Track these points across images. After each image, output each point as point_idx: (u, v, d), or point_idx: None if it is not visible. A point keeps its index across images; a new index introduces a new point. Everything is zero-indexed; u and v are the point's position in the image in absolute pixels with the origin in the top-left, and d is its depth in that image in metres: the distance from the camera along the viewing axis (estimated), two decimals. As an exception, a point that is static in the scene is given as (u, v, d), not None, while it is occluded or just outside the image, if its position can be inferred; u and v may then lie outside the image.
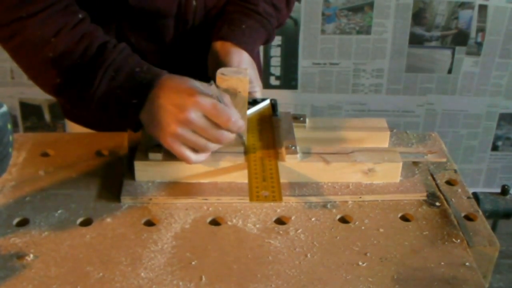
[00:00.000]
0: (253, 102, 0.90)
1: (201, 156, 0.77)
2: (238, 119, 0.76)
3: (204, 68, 0.97)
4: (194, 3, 0.94)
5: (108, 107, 0.79)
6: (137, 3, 0.87)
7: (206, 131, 0.75)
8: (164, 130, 0.75)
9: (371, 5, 1.96)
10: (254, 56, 0.98)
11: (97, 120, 1.02)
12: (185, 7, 0.93)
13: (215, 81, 0.79)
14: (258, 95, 0.96)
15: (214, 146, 0.77)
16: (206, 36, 0.99)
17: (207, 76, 0.97)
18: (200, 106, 0.73)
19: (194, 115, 0.73)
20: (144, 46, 0.94)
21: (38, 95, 2.00)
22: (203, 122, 0.74)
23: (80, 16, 0.82)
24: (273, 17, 1.03)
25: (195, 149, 0.76)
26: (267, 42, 1.04)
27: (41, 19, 0.78)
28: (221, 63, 0.91)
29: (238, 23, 0.97)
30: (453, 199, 0.81)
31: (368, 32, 2.00)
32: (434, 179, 0.84)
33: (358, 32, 2.00)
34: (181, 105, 0.73)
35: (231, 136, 0.77)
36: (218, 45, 0.95)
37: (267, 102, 0.91)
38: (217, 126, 0.75)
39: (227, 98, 0.77)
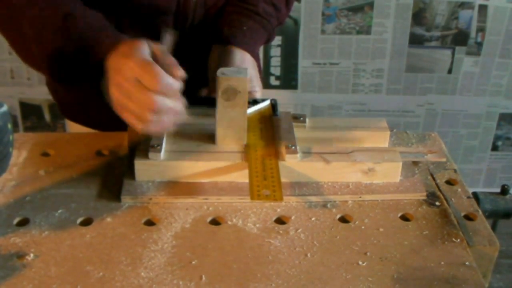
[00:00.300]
0: (253, 102, 0.90)
1: (146, 127, 0.72)
2: (170, 81, 0.70)
3: (203, 66, 0.97)
4: (193, 0, 0.94)
5: (77, 71, 0.80)
6: (137, 0, 0.88)
7: (135, 94, 0.69)
8: (110, 96, 0.72)
9: (371, 5, 1.96)
10: (255, 56, 0.98)
11: (91, 115, 1.02)
12: (184, 4, 0.93)
13: (215, 82, 0.79)
14: (258, 95, 0.96)
15: (149, 116, 0.70)
16: (206, 35, 0.99)
17: (207, 75, 0.97)
18: (131, 66, 0.69)
19: (124, 78, 0.69)
20: None
21: (38, 95, 2.00)
22: (132, 85, 0.69)
23: None
24: (273, 16, 1.03)
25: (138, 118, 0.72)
26: (267, 42, 1.05)
27: None
28: (222, 64, 0.91)
29: (238, 24, 0.97)
30: (453, 199, 0.81)
31: (368, 32, 2.00)
32: (434, 178, 0.85)
33: (358, 32, 2.00)
34: (116, 68, 0.71)
35: (165, 102, 0.70)
36: (219, 47, 0.95)
37: (267, 102, 0.91)
38: (147, 88, 0.69)
39: (170, 58, 0.73)
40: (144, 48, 0.72)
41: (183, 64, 1.00)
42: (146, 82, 0.69)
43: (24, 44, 0.81)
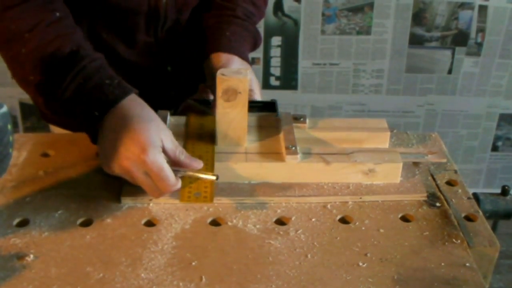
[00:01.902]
0: (252, 103, 0.90)
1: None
2: (176, 185, 0.74)
3: (176, 66, 0.96)
4: (164, 0, 0.94)
5: (73, 112, 0.78)
6: (108, 1, 0.87)
7: (145, 186, 0.74)
8: (112, 161, 0.74)
9: (371, 6, 1.96)
10: (245, 59, 0.98)
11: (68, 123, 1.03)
12: (155, 4, 0.93)
13: (214, 94, 0.80)
14: (257, 96, 0.96)
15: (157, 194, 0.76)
16: (179, 36, 0.99)
17: (179, 75, 0.97)
18: (146, 166, 0.72)
19: (136, 169, 0.73)
20: (115, 43, 0.94)
21: (38, 96, 2.00)
22: (144, 178, 0.73)
23: (57, 14, 0.81)
24: (254, 15, 1.03)
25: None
26: (255, 44, 1.05)
27: (17, 13, 0.78)
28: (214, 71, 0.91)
29: (220, 31, 0.98)
30: (453, 200, 0.81)
31: (368, 32, 2.00)
32: (434, 179, 0.84)
33: (358, 33, 2.00)
34: (129, 156, 0.72)
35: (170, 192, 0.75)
36: (209, 59, 0.95)
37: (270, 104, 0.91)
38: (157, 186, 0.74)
39: (184, 154, 0.76)
40: (157, 142, 0.74)
41: (156, 64, 1.00)
42: (158, 185, 0.73)
43: (22, 71, 0.81)
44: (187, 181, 0.76)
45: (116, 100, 0.76)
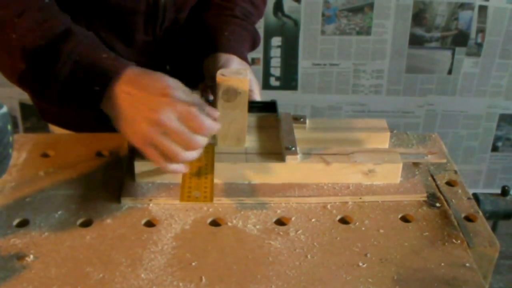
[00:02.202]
0: (252, 103, 0.90)
1: (177, 166, 0.74)
2: (213, 124, 0.73)
3: (175, 65, 0.96)
4: (162, 0, 0.93)
5: (70, 94, 0.76)
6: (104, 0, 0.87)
7: (178, 134, 0.71)
8: (133, 129, 0.72)
9: (371, 6, 1.96)
10: (244, 58, 0.98)
11: (69, 118, 1.02)
12: (154, 3, 0.93)
13: (214, 94, 0.79)
14: (256, 96, 0.96)
15: (185, 155, 0.73)
16: (177, 35, 0.99)
17: (177, 74, 0.97)
18: (174, 108, 0.70)
19: (167, 117, 0.70)
20: (114, 42, 0.94)
21: (38, 96, 2.00)
22: (176, 125, 0.70)
23: (46, 0, 0.80)
24: (253, 15, 1.04)
25: (167, 156, 0.73)
26: (254, 44, 1.04)
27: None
28: (214, 71, 0.91)
29: (219, 31, 0.98)
30: (453, 200, 0.81)
31: (368, 33, 2.00)
32: (434, 180, 0.84)
33: (358, 33, 2.00)
34: (153, 105, 0.70)
35: (204, 143, 0.74)
36: (208, 59, 0.95)
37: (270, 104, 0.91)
38: (190, 130, 0.71)
39: (207, 108, 0.75)
40: (179, 86, 0.73)
41: (155, 64, 1.00)
42: (194, 127, 0.71)
43: (10, 59, 0.79)
44: (187, 181, 0.76)
45: (117, 72, 0.74)
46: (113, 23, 0.93)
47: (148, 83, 0.73)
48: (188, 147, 0.72)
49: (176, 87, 0.72)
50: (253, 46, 1.04)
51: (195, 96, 0.75)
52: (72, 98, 0.77)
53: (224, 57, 0.94)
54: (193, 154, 0.74)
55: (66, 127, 1.06)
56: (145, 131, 0.71)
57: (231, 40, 0.97)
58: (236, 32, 0.99)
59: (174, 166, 0.74)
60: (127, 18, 0.93)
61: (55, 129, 1.10)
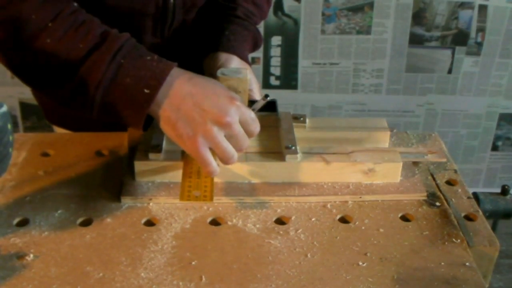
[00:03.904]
0: (251, 102, 0.90)
1: (218, 168, 0.76)
2: (258, 128, 0.77)
3: (183, 65, 0.95)
4: (172, 1, 0.93)
5: (115, 99, 0.73)
6: (113, 2, 0.86)
7: (239, 138, 0.74)
8: (195, 130, 0.72)
9: (371, 5, 1.96)
10: (245, 59, 0.98)
11: (75, 119, 1.01)
12: (162, 6, 0.92)
13: None
14: (256, 96, 0.96)
15: (236, 157, 0.76)
16: (185, 35, 0.99)
17: None
18: (241, 112, 0.74)
19: (235, 120, 0.73)
20: None
21: (38, 95, 2.00)
22: (239, 129, 0.74)
23: (75, 4, 0.77)
24: (255, 15, 1.04)
25: (222, 158, 0.75)
26: (255, 44, 1.05)
27: (36, 4, 0.73)
28: (214, 71, 0.91)
29: (220, 31, 0.98)
30: (453, 199, 0.81)
31: (368, 32, 2.00)
32: (434, 179, 0.84)
33: (358, 32, 2.00)
34: (224, 108, 0.72)
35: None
36: (208, 58, 0.96)
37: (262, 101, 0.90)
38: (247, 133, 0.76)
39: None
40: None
41: None
42: (251, 131, 0.76)
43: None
44: (187, 180, 0.76)
45: (164, 72, 0.73)
46: (122, 25, 0.91)
47: (208, 85, 0.75)
48: (241, 150, 0.76)
49: (234, 93, 0.77)
50: (255, 46, 1.05)
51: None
52: (117, 104, 0.73)
53: (224, 56, 0.94)
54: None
55: (71, 129, 1.06)
56: (210, 132, 0.72)
57: (232, 40, 0.97)
58: (237, 32, 0.99)
59: (217, 168, 0.76)
60: (136, 21, 0.92)
61: (60, 131, 1.09)
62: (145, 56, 0.75)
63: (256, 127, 0.76)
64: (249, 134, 0.76)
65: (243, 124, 0.74)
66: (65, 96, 0.76)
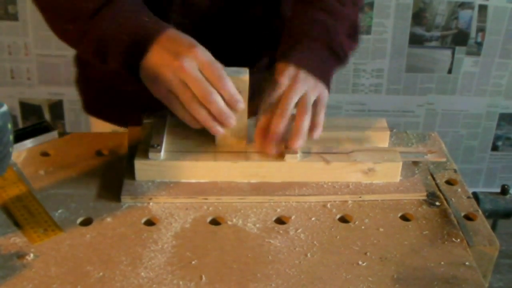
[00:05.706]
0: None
1: (195, 123, 0.75)
2: (235, 93, 0.74)
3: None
4: None
5: (108, 49, 0.78)
6: None
7: (197, 83, 0.73)
8: (158, 79, 0.74)
9: (371, 5, 1.96)
10: (318, 75, 0.86)
11: (113, 111, 1.02)
12: None
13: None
14: (316, 134, 0.82)
15: (204, 114, 0.74)
16: (216, 23, 0.95)
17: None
18: (197, 57, 0.73)
19: (189, 64, 0.72)
20: None
21: (38, 95, 2.00)
22: (196, 73, 0.72)
23: None
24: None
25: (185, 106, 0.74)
26: (338, 59, 0.90)
27: None
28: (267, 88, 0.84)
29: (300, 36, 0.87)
30: (453, 199, 0.81)
31: (368, 32, 2.00)
32: (434, 178, 0.85)
33: (358, 32, 2.00)
34: (177, 53, 0.73)
35: (221, 106, 0.74)
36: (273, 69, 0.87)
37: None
38: (210, 83, 0.73)
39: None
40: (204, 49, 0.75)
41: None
42: (212, 78, 0.73)
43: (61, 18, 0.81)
44: (24, 222, 0.73)
45: (156, 33, 0.76)
46: (148, 4, 0.90)
47: (176, 36, 0.75)
48: (205, 99, 0.73)
49: (204, 49, 0.74)
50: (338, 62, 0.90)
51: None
52: (110, 54, 0.78)
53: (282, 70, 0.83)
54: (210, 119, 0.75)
55: (108, 120, 1.05)
56: (167, 79, 0.73)
57: (298, 50, 0.85)
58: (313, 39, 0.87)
59: (193, 119, 0.75)
60: (163, 4, 0.90)
61: (96, 122, 1.08)
62: (143, 16, 0.79)
63: (220, 75, 0.73)
64: (212, 81, 0.73)
65: (204, 70, 0.73)
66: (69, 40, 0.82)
